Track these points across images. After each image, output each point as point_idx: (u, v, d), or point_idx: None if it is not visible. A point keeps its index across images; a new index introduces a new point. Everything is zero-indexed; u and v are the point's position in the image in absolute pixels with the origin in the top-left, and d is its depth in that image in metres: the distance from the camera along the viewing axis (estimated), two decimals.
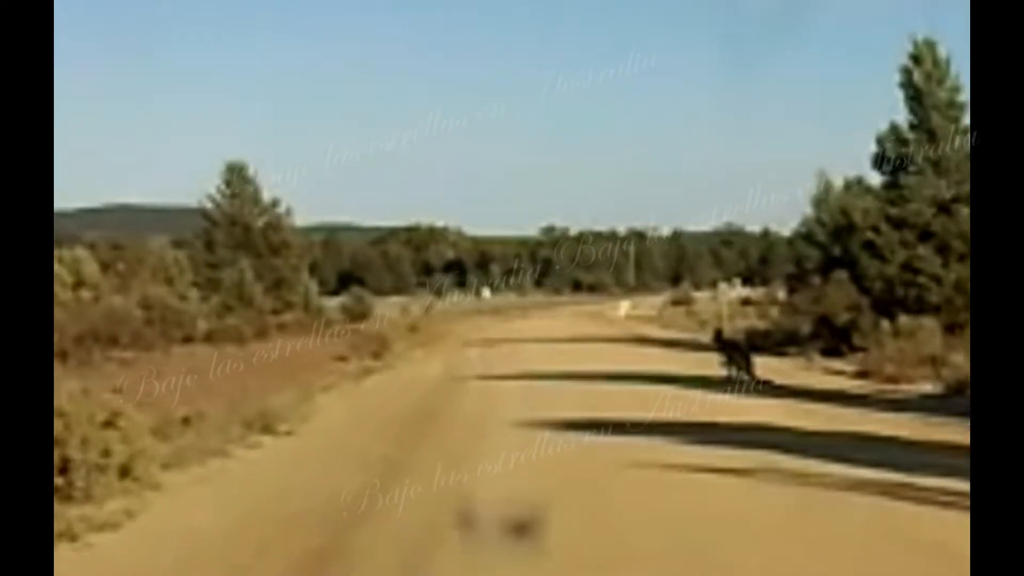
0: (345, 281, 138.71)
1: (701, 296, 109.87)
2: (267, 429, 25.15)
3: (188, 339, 55.12)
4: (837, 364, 41.23)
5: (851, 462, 17.27)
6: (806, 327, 49.10)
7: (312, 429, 25.61)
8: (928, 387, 32.23)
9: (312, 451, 22.33)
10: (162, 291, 54.42)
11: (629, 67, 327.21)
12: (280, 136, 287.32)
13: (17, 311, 7.75)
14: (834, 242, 50.96)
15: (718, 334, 38.26)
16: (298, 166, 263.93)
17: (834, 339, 45.44)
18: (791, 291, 52.67)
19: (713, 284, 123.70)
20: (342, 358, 46.85)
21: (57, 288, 44.08)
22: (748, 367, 33.95)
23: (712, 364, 35.34)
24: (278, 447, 22.98)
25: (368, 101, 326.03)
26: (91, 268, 55.47)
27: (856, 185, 53.19)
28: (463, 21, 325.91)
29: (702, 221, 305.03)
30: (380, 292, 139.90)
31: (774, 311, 56.04)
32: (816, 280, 49.83)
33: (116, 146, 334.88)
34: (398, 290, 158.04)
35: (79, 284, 53.58)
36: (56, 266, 51.35)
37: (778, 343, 48.16)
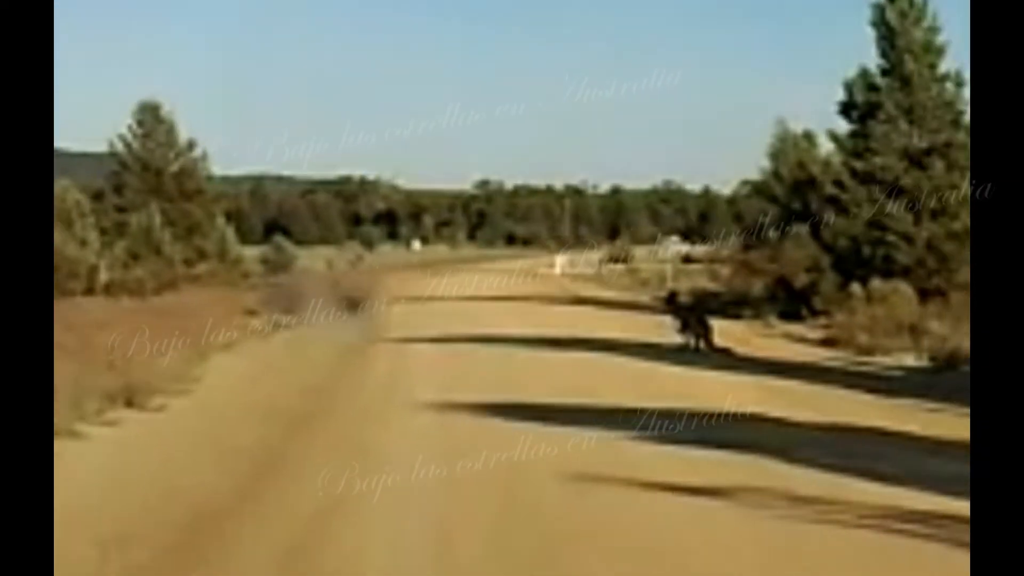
0: (271, 231, 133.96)
1: (640, 252, 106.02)
2: (132, 402, 20.90)
3: (89, 290, 50.42)
4: (798, 329, 37.35)
5: (872, 476, 12.89)
6: (759, 288, 45.13)
7: (187, 404, 21.32)
8: (910, 359, 28.51)
9: (172, 436, 17.98)
10: (57, 237, 49.41)
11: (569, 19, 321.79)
12: (211, 82, 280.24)
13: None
14: (793, 197, 46.95)
15: (671, 296, 33.62)
16: (228, 114, 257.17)
17: (792, 302, 41.46)
18: (745, 248, 48.50)
19: (652, 240, 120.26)
20: (251, 312, 42.61)
21: None
22: (707, 334, 29.72)
23: (660, 329, 31.21)
24: (132, 429, 18.65)
25: (314, 55, 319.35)
26: None
27: (819, 136, 49.06)
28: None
29: (641, 179, 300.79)
30: (307, 243, 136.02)
31: (724, 270, 51.82)
32: (773, 236, 45.73)
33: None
34: (326, 241, 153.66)
35: None
36: None
37: (729, 304, 44.05)
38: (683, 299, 33.79)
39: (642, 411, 18.12)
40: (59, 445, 16.60)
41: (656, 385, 21.95)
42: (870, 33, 41.82)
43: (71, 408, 19.15)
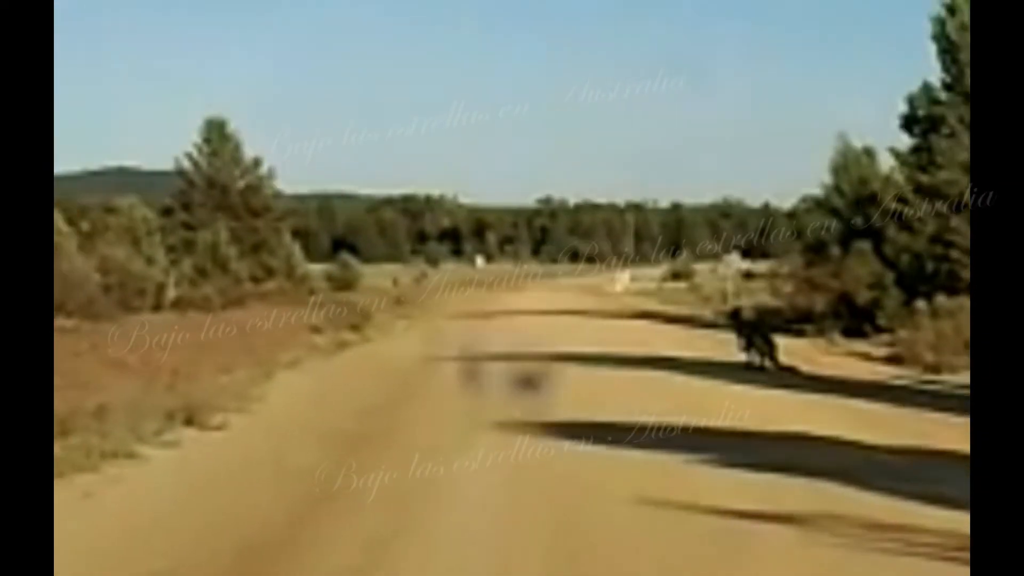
0: (338, 248, 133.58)
1: (701, 268, 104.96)
2: (192, 421, 20.32)
3: (157, 307, 50.03)
4: (862, 346, 36.43)
5: (954, 504, 12.04)
6: (821, 305, 44.13)
7: (248, 423, 20.69)
8: None
9: (228, 459, 17.32)
10: (122, 253, 49.11)
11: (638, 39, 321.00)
12: (280, 102, 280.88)
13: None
14: (855, 212, 45.92)
15: (736, 313, 32.72)
16: (296, 133, 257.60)
17: (855, 319, 40.53)
18: (808, 264, 47.46)
19: (712, 256, 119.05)
20: (317, 330, 42.02)
21: None
22: (772, 352, 28.83)
23: (723, 346, 30.35)
24: (193, 449, 18.02)
25: (380, 72, 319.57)
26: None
27: (879, 152, 47.99)
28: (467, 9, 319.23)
29: (701, 194, 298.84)
30: (373, 260, 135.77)
31: (786, 286, 50.74)
32: (835, 252, 44.72)
33: (115, 106, 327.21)
34: (392, 258, 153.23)
35: None
36: None
37: (791, 321, 43.07)
38: (747, 315, 32.84)
39: (706, 432, 17.38)
40: (116, 468, 16.16)
41: (725, 406, 21.13)
42: (931, 47, 41.00)
43: (129, 430, 18.64)
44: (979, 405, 6.94)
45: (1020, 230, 7.01)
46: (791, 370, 28.12)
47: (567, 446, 16.38)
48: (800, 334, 39.82)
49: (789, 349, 31.01)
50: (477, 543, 11.38)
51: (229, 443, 18.59)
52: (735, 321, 31.12)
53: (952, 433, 18.07)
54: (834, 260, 44.21)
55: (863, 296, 40.80)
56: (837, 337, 39.39)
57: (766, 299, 54.91)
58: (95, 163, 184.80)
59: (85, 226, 52.21)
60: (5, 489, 6.76)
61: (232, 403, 22.47)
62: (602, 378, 25.98)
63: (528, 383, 22.97)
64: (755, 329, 30.35)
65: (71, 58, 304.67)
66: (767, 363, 28.34)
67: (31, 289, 7.19)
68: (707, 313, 52.43)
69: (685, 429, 17.78)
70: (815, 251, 47.98)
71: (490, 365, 28.75)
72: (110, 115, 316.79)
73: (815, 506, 12.38)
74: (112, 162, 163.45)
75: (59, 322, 37.65)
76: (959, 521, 10.96)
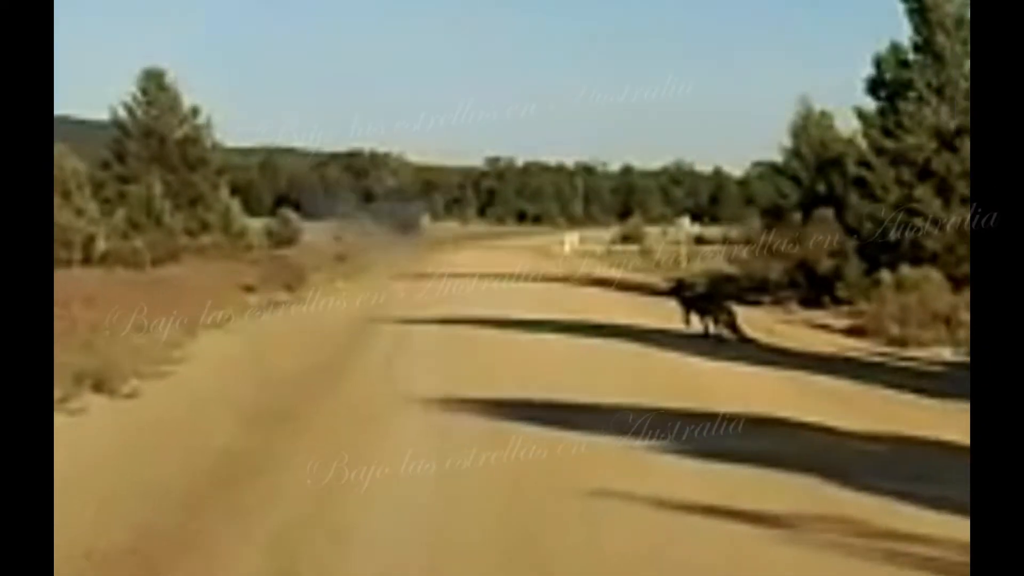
0: (281, 204, 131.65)
1: (652, 232, 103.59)
2: (102, 387, 18.68)
3: (86, 261, 48.09)
4: (821, 317, 35.02)
5: (950, 507, 10.40)
6: (778, 273, 42.71)
7: (161, 390, 19.04)
8: (947, 353, 26.19)
9: (131, 435, 15.63)
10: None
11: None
12: (224, 54, 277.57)
13: None
14: (816, 178, 44.51)
15: (678, 287, 30.08)
16: (240, 86, 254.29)
17: (814, 288, 39.09)
18: (766, 229, 45.97)
19: (663, 220, 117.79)
20: (249, 288, 40.34)
21: None
22: (732, 322, 27.15)
23: (679, 314, 28.65)
24: (96, 420, 16.39)
25: (329, 26, 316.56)
26: None
27: (838, 116, 46.55)
28: None
29: (652, 158, 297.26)
30: (317, 217, 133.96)
31: (742, 253, 49.30)
32: (795, 218, 43.29)
33: (57, 51, 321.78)
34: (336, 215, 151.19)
35: None
36: None
37: (746, 290, 41.65)
38: (699, 287, 31.07)
39: (667, 412, 15.84)
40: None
41: (681, 380, 19.60)
42: (899, 6, 39.52)
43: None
44: (979, 405, 6.81)
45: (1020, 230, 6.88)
46: (751, 342, 26.61)
47: (511, 429, 14.75)
48: (756, 304, 38.46)
49: (746, 319, 29.43)
50: (401, 545, 9.82)
51: (135, 413, 16.95)
52: (678, 295, 28.92)
53: (931, 418, 16.70)
54: (793, 226, 42.78)
55: (824, 265, 39.36)
56: (794, 307, 38.02)
57: (721, 265, 53.72)
58: None
59: None
60: None
61: (149, 367, 20.89)
62: (550, 348, 24.45)
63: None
64: (709, 299, 28.64)
65: None
66: (725, 332, 26.71)
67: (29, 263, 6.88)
68: (658, 279, 50.89)
69: (642, 410, 16.21)
70: (773, 216, 46.63)
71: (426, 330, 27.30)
72: (57, 64, 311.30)
73: (792, 503, 10.86)
74: (59, 111, 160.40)
75: None
76: (953, 526, 9.51)
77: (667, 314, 28.95)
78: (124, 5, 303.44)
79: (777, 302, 39.36)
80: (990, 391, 6.67)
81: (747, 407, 16.60)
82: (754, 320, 31.12)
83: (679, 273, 50.94)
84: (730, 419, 15.42)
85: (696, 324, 27.26)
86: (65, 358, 19.94)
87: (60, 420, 15.78)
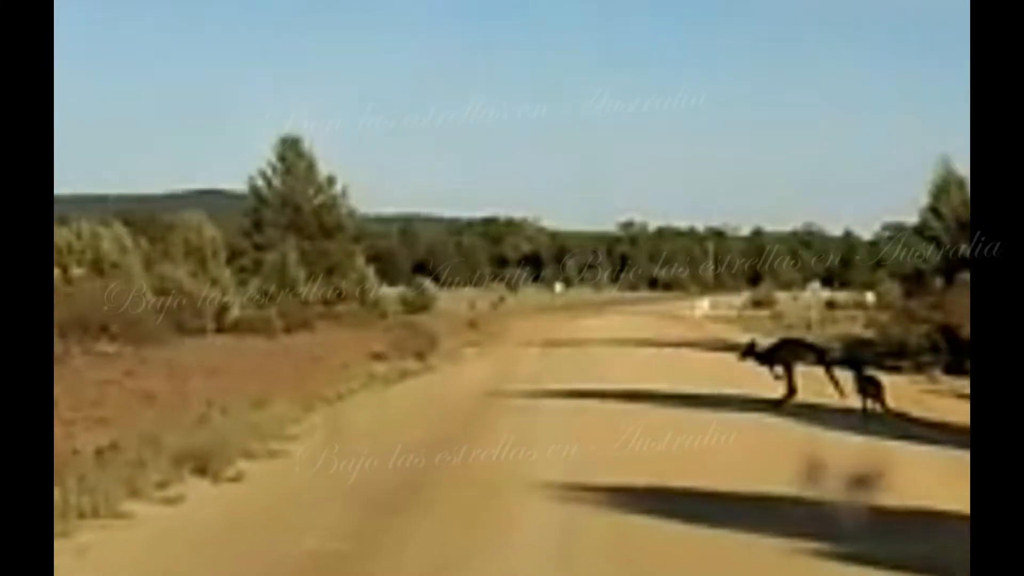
0: (420, 272, 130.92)
1: (782, 297, 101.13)
2: (206, 469, 16.85)
3: (219, 330, 46.69)
4: (967, 385, 32.27)
5: None
6: (918, 337, 39.98)
7: (268, 474, 17.17)
8: None
9: (228, 528, 13.67)
10: (181, 273, 45.72)
11: (718, 70, 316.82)
12: (361, 121, 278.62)
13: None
14: (957, 239, 41.94)
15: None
16: (378, 153, 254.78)
17: (957, 355, 36.37)
18: (907, 295, 43.40)
19: (793, 285, 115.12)
20: (378, 356, 38.61)
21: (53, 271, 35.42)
22: (879, 393, 24.49)
23: (819, 384, 26.01)
24: (193, 510, 14.51)
25: (453, 96, 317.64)
26: (116, 247, 46.88)
27: None
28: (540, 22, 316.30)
29: (781, 222, 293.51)
30: (453, 284, 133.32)
31: (881, 317, 46.63)
32: (937, 283, 40.73)
33: (210, 128, 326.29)
34: (472, 282, 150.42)
35: (95, 264, 45.36)
36: (61, 243, 43.24)
37: (883, 355, 38.97)
38: (834, 352, 28.41)
39: (826, 506, 13.57)
40: (90, 534, 12.67)
41: (830, 463, 17.20)
42: None
43: (125, 481, 15.16)
44: (979, 404, 6.90)
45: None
46: (902, 416, 24.05)
47: (647, 525, 12.59)
48: (896, 370, 35.83)
49: (891, 389, 26.80)
50: None
51: (237, 502, 15.02)
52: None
53: None
54: (935, 291, 40.16)
55: (967, 330, 36.66)
56: (938, 374, 35.40)
57: (852, 329, 51.35)
58: (195, 184, 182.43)
59: (144, 244, 48.87)
60: None
61: (259, 445, 19.08)
62: (684, 424, 22.16)
63: None
64: (852, 365, 26.01)
65: (178, 78, 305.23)
66: (874, 406, 24.13)
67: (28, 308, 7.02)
68: None
69: (798, 502, 13.92)
70: (914, 281, 44.05)
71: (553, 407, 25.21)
72: (205, 137, 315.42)
73: None
74: (208, 184, 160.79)
75: (100, 346, 34.40)
76: None
77: (809, 384, 26.43)
78: (263, 76, 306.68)
79: (918, 368, 36.73)
80: (990, 394, 6.72)
81: (922, 498, 14.22)
82: (898, 389, 28.60)
83: (811, 338, 48.57)
84: (903, 514, 13.09)
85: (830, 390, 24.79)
86: (173, 438, 18.28)
87: (150, 511, 14.03)
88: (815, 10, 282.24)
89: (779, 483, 15.05)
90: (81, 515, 13.46)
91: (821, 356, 26.87)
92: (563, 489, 14.94)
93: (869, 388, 24.32)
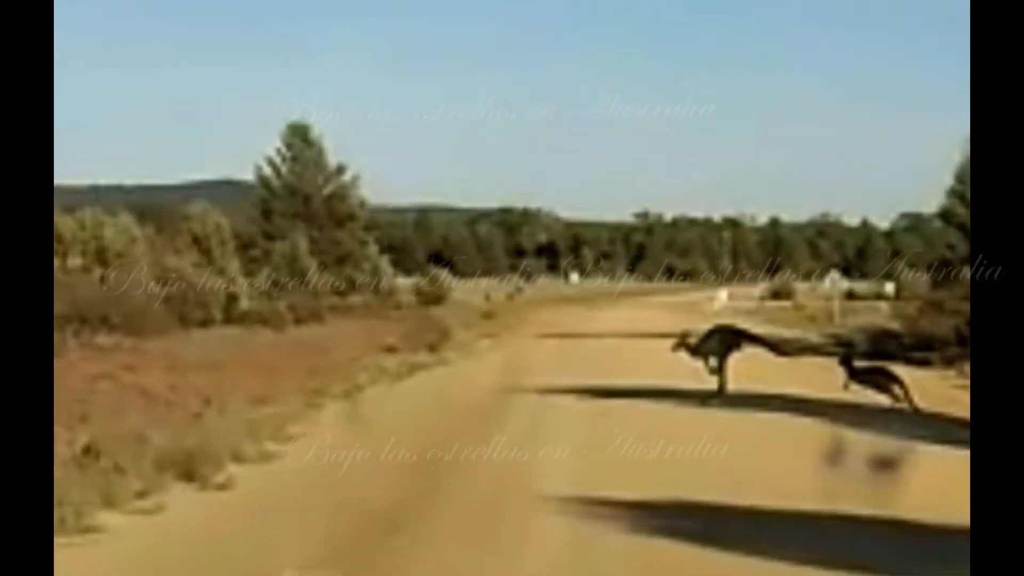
0: (436, 262, 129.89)
1: (801, 287, 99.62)
2: (192, 474, 15.59)
3: (227, 322, 45.34)
4: None
5: None
6: (946, 330, 38.38)
7: (259, 480, 15.85)
8: None
9: (206, 544, 12.32)
10: (185, 263, 44.37)
11: (733, 59, 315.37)
12: (375, 113, 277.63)
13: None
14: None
15: (847, 357, 24.46)
16: (394, 143, 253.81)
17: None
18: (934, 284, 41.74)
19: (811, 275, 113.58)
20: (390, 348, 37.37)
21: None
22: (905, 392, 22.90)
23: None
24: (172, 522, 13.20)
25: (468, 83, 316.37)
26: (122, 236, 45.58)
27: None
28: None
29: (798, 211, 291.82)
30: (469, 274, 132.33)
31: (909, 309, 44.99)
32: (965, 272, 39.10)
33: (225, 116, 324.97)
34: (488, 272, 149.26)
35: (99, 254, 44.17)
36: (63, 233, 42.05)
37: (910, 348, 37.46)
38: (859, 345, 26.80)
39: (860, 523, 12.18)
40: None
41: (864, 471, 15.64)
42: None
43: (102, 491, 13.87)
44: (979, 405, 6.73)
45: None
46: (937, 416, 22.50)
47: (664, 548, 11.22)
48: (924, 364, 34.38)
49: (918, 384, 25.31)
50: None
51: (221, 514, 13.70)
52: (846, 367, 24.34)
53: None
54: (965, 282, 38.57)
55: None
56: (968, 368, 33.93)
57: (875, 320, 50.02)
58: (212, 174, 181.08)
59: (149, 232, 47.55)
60: None
61: (253, 447, 17.77)
62: (707, 424, 20.80)
63: None
64: (882, 374, 24.14)
65: (185, 67, 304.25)
66: (903, 405, 22.53)
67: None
68: (813, 335, 46.97)
69: (829, 518, 12.52)
70: (940, 270, 42.36)
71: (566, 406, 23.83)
72: (222, 126, 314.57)
73: None
74: (225, 174, 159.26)
75: (99, 339, 33.02)
76: None
77: (831, 378, 24.83)
78: (279, 66, 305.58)
79: (947, 362, 35.22)
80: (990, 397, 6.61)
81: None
82: (927, 385, 27.20)
83: (833, 329, 47.20)
84: (947, 534, 11.70)
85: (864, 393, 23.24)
86: (161, 438, 17.01)
87: (126, 523, 12.80)
88: None
89: (807, 496, 13.68)
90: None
91: (762, 344, 25.68)
92: (569, 501, 13.59)
93: (888, 384, 22.75)
